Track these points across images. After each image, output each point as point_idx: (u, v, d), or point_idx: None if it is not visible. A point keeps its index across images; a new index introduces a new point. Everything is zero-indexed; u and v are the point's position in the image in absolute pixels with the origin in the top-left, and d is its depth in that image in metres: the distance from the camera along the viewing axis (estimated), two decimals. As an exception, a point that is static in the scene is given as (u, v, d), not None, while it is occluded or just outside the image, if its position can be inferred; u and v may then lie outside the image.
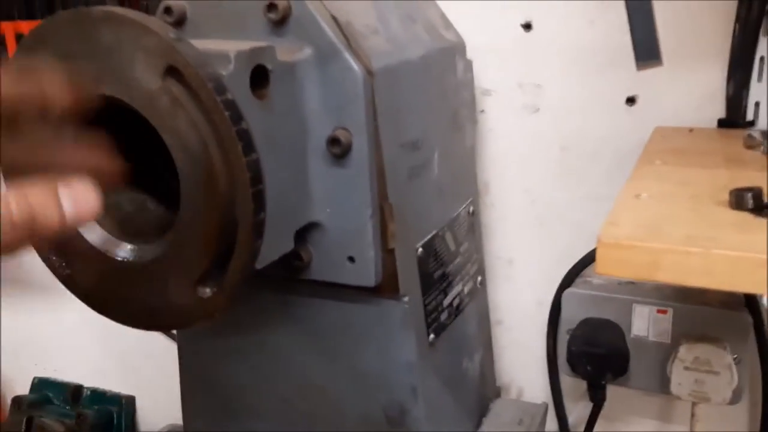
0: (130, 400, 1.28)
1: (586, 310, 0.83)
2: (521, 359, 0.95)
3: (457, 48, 0.78)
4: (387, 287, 0.63)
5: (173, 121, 0.46)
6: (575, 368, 0.83)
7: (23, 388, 1.32)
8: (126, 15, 0.46)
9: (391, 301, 0.64)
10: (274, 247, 0.56)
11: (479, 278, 0.84)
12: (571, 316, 0.84)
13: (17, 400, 1.28)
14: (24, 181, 0.36)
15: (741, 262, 0.41)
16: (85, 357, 1.28)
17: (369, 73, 0.58)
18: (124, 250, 0.53)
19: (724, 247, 0.42)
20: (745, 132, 0.68)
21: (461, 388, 0.80)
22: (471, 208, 0.81)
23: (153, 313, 0.52)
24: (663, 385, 0.79)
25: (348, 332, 0.67)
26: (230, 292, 0.49)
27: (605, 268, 0.45)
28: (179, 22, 0.62)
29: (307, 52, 0.58)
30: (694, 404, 0.79)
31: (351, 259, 0.61)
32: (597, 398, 0.83)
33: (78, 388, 1.28)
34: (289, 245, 0.58)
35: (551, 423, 0.91)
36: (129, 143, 0.49)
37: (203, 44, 0.53)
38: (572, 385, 0.91)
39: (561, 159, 0.87)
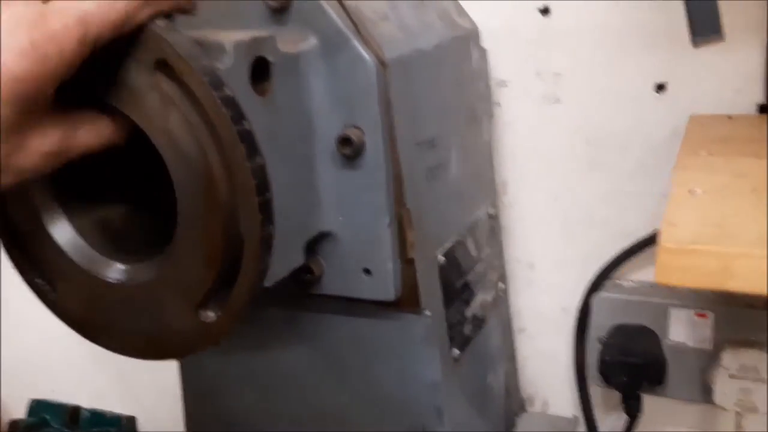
0: (131, 421, 1.22)
1: (618, 316, 0.77)
2: (546, 369, 0.89)
3: (472, 35, 0.72)
4: (407, 301, 0.57)
5: (165, 123, 0.40)
6: (608, 379, 0.77)
7: (18, 411, 1.26)
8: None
9: (411, 315, 0.58)
10: (283, 262, 0.50)
11: (501, 285, 0.78)
12: (601, 323, 0.78)
13: (14, 425, 1.23)
14: None
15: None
16: (83, 376, 1.22)
17: (382, 63, 0.52)
18: (116, 271, 0.47)
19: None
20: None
21: (486, 403, 0.74)
22: (491, 210, 0.75)
23: (150, 342, 0.46)
24: (705, 395, 0.73)
25: (364, 350, 0.61)
26: (236, 315, 0.43)
27: (667, 276, 0.39)
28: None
29: (312, 41, 0.52)
30: (739, 415, 0.73)
31: (367, 271, 0.55)
32: (632, 410, 0.76)
33: (76, 410, 1.23)
34: (299, 259, 0.52)
35: (581, 437, 0.85)
36: (118, 150, 0.43)
37: (197, 34, 0.47)
38: (602, 396, 0.85)
39: (585, 152, 0.81)
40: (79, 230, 0.48)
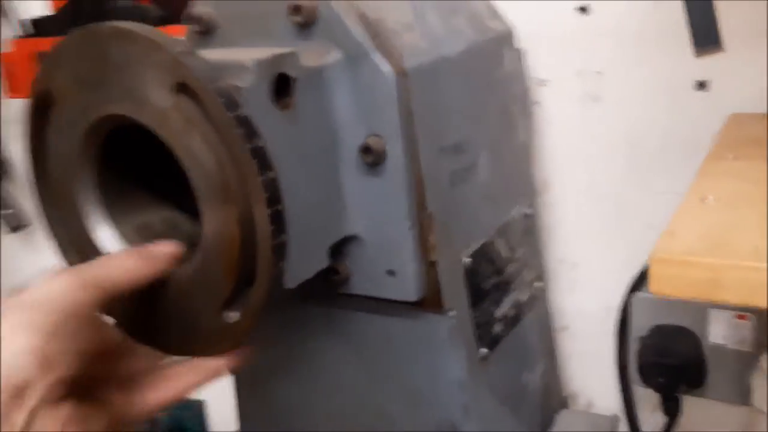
0: (200, 405, 1.29)
1: (658, 316, 0.76)
2: (590, 368, 0.89)
3: (504, 38, 0.73)
4: (431, 301, 0.59)
5: (187, 140, 0.44)
6: (647, 379, 0.76)
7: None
8: (133, 30, 0.44)
9: (435, 315, 0.60)
10: (307, 264, 0.53)
11: (538, 284, 0.78)
12: (641, 323, 0.78)
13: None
14: None
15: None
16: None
17: (401, 73, 0.54)
18: None
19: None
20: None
21: (521, 401, 0.75)
22: (527, 210, 0.76)
23: (180, 340, 0.50)
24: (744, 397, 0.72)
25: (393, 348, 0.63)
26: (255, 316, 0.47)
27: (659, 286, 0.39)
28: (208, 30, 0.60)
29: (336, 55, 0.55)
30: (781, 419, 0.71)
31: (391, 272, 0.58)
32: (671, 411, 0.76)
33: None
34: (323, 262, 0.55)
35: (624, 436, 0.85)
36: (161, 158, 0.47)
37: (223, 54, 0.50)
38: (646, 395, 0.84)
39: (626, 151, 0.80)
40: (123, 235, 0.52)
